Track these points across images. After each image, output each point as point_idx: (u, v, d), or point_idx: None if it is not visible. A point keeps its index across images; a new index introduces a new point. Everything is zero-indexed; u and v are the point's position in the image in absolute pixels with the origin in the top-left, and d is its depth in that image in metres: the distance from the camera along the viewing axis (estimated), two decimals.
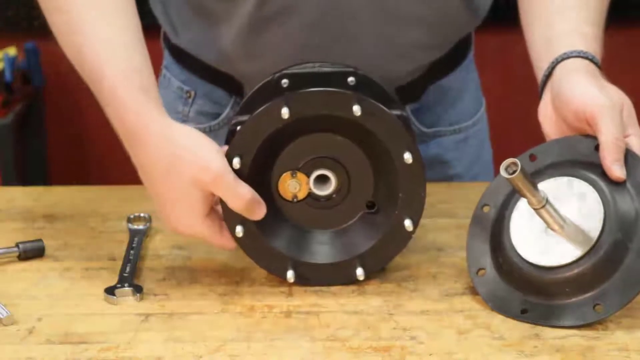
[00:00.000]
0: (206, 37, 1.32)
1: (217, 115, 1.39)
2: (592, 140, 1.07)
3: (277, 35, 1.26)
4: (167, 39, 1.41)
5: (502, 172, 1.01)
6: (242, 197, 1.06)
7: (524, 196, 1.04)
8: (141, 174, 1.10)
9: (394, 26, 1.26)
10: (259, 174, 1.10)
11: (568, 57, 1.13)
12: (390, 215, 1.10)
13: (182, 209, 1.07)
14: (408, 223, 1.09)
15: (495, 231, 1.10)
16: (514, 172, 1.01)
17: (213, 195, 1.07)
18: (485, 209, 1.13)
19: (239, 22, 1.26)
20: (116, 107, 1.08)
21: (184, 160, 1.05)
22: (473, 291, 1.09)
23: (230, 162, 1.07)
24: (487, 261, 1.09)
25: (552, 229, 1.05)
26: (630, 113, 1.09)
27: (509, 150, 1.05)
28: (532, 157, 1.11)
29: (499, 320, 1.04)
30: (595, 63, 1.13)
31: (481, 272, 1.09)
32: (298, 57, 1.19)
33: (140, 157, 1.08)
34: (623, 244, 1.02)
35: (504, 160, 1.02)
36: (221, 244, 1.10)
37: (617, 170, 1.04)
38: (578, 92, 1.09)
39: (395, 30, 1.27)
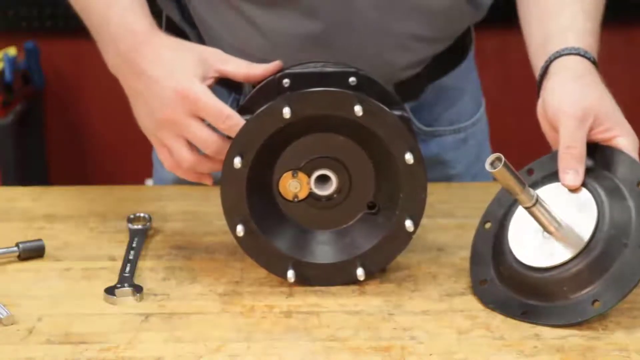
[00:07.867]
0: (204, 31, 1.32)
1: None
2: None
3: (275, 25, 1.26)
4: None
5: (487, 167, 1.02)
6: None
7: (513, 193, 1.05)
8: (138, 77, 1.12)
9: (394, 16, 1.26)
10: (260, 173, 1.10)
11: (560, 55, 1.13)
12: (391, 216, 1.10)
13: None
14: (409, 223, 1.09)
15: (496, 242, 1.11)
16: (498, 166, 1.02)
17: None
18: (487, 225, 1.13)
19: (236, 12, 1.26)
20: (122, 22, 1.14)
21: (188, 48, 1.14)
22: (473, 291, 1.09)
23: (231, 162, 1.07)
24: (489, 272, 1.09)
25: (547, 231, 1.05)
26: (611, 114, 1.09)
27: (509, 150, 1.05)
28: (530, 172, 1.13)
29: (499, 320, 1.04)
30: (588, 58, 1.13)
31: (483, 283, 1.09)
32: (296, 47, 1.19)
33: (149, 54, 1.12)
34: (618, 239, 1.02)
35: None
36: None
37: (566, 179, 1.06)
38: (553, 97, 1.10)
39: (395, 20, 1.27)
